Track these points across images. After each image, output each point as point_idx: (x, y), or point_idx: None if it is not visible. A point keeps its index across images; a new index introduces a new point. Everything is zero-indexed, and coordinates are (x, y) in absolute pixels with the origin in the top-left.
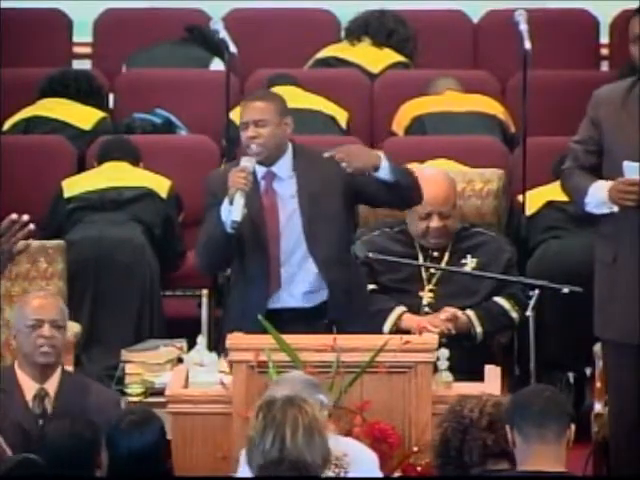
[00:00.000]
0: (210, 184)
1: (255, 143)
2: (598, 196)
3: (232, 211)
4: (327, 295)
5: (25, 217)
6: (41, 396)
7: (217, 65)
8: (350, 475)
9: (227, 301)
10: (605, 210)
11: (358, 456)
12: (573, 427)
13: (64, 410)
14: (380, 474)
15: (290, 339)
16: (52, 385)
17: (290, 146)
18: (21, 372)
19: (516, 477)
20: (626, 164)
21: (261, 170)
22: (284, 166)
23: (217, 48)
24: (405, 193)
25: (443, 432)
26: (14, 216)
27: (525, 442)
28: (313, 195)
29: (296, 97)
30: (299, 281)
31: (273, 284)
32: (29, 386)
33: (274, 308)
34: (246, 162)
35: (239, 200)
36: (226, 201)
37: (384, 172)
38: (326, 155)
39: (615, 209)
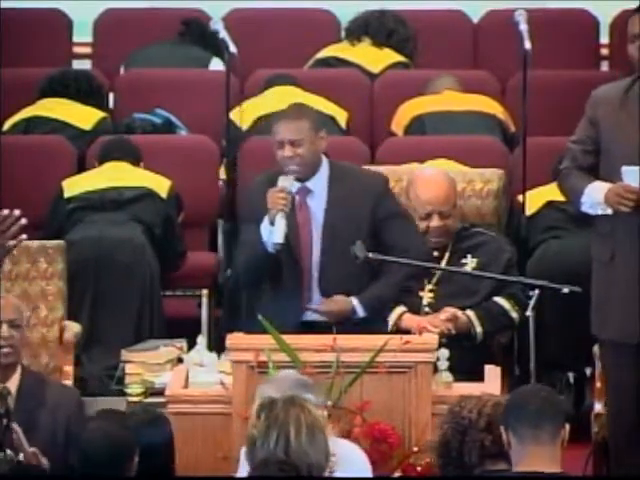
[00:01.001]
0: (249, 197)
1: (292, 163)
2: (594, 197)
3: (274, 233)
4: None
5: (16, 212)
6: (3, 395)
7: (216, 65)
8: (336, 475)
9: (255, 308)
10: (599, 211)
11: (347, 456)
12: (568, 427)
13: (26, 407)
14: (370, 474)
15: (290, 339)
16: (13, 383)
17: (325, 161)
18: None
19: (513, 477)
20: (625, 169)
21: (295, 185)
22: (319, 182)
23: (215, 45)
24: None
25: (443, 433)
26: (5, 212)
27: (520, 443)
28: (336, 222)
29: (295, 97)
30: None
31: (306, 297)
32: None
33: (307, 320)
34: (284, 182)
35: (280, 222)
36: (266, 221)
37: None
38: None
39: (609, 211)
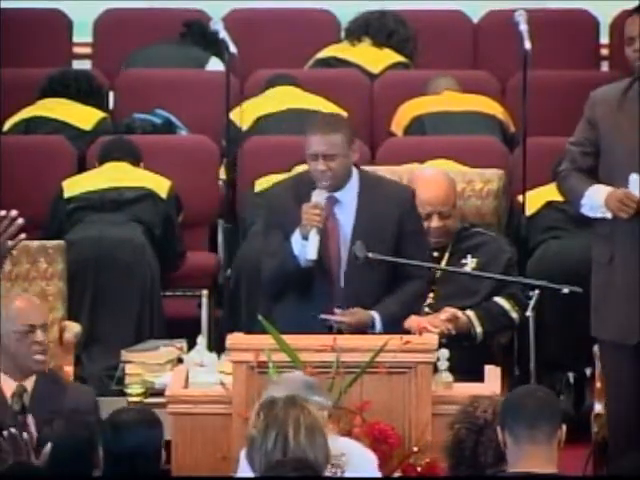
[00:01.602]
0: (273, 204)
1: (325, 177)
2: (595, 200)
3: (308, 248)
4: None
5: (13, 212)
6: (20, 393)
7: (214, 64)
8: (347, 475)
9: (276, 313)
10: (598, 214)
11: (356, 456)
12: (564, 428)
13: (42, 406)
14: (379, 474)
15: (290, 339)
16: (30, 382)
17: (355, 172)
18: (1, 372)
19: (509, 478)
20: (633, 177)
21: (324, 195)
22: (349, 193)
23: (215, 45)
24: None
25: (456, 433)
26: (2, 212)
27: (516, 443)
28: (364, 234)
29: (295, 97)
30: None
31: (333, 308)
32: (8, 384)
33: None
34: (318, 197)
35: (314, 238)
36: (298, 234)
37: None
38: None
39: (608, 215)
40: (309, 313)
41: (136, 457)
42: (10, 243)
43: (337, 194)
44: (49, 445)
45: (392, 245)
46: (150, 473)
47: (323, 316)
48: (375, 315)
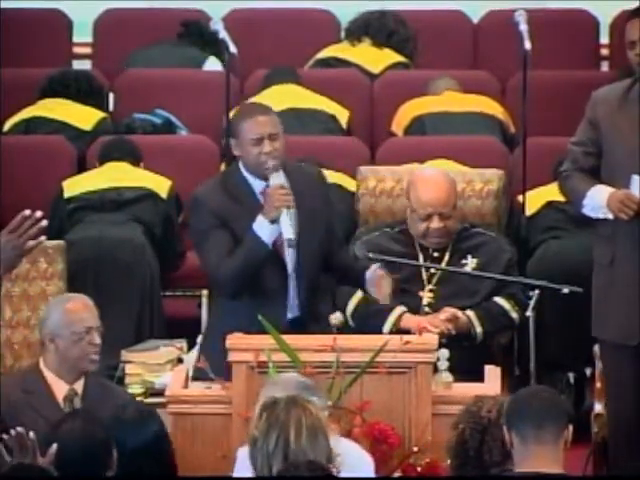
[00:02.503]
0: (207, 206)
1: (272, 158)
2: (597, 199)
3: (284, 229)
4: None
5: (38, 213)
6: (71, 397)
7: (212, 64)
8: (342, 475)
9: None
10: (600, 215)
11: (352, 457)
12: (571, 428)
13: (92, 408)
14: (374, 475)
15: (290, 339)
16: (79, 385)
17: None
18: (50, 373)
19: (514, 478)
20: (634, 178)
21: (260, 185)
22: (282, 176)
23: (213, 45)
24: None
25: (460, 433)
26: (27, 212)
27: (523, 443)
28: (303, 219)
29: (296, 96)
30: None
31: (286, 293)
32: (59, 387)
33: (292, 318)
34: (277, 179)
35: (287, 218)
36: (262, 220)
37: None
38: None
39: (610, 216)
40: (265, 305)
41: (136, 454)
42: (31, 243)
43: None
44: (55, 445)
45: (325, 225)
46: (154, 468)
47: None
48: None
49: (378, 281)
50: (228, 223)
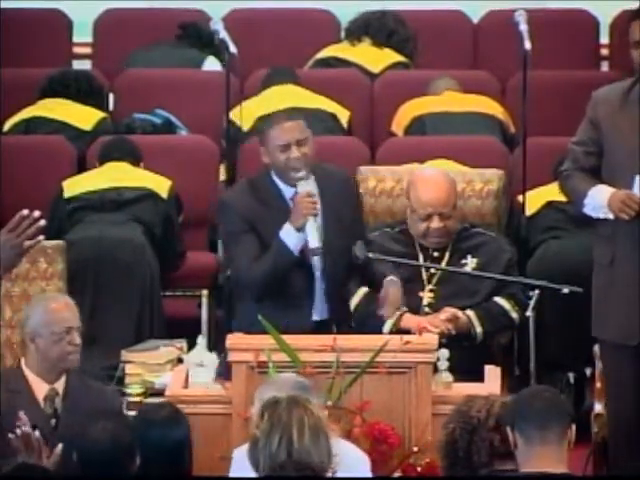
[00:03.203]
0: (234, 211)
1: (300, 164)
2: (598, 199)
3: (310, 238)
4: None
5: (36, 213)
6: (52, 397)
7: (211, 64)
8: (338, 475)
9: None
10: (601, 215)
11: (349, 457)
12: (574, 427)
13: (74, 408)
14: (370, 474)
15: (290, 339)
16: (60, 385)
17: None
18: (31, 373)
19: (518, 478)
20: (637, 179)
21: (290, 191)
22: (310, 182)
23: (212, 46)
24: None
25: (450, 433)
26: (25, 212)
27: (527, 443)
28: (331, 223)
29: (296, 96)
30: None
31: (313, 297)
32: (40, 387)
33: (317, 320)
34: (306, 186)
35: (314, 226)
36: (289, 227)
37: None
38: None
39: (610, 216)
40: (288, 309)
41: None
42: (29, 243)
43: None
44: (60, 446)
45: (351, 228)
46: (180, 469)
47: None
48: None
49: (387, 298)
50: (256, 226)
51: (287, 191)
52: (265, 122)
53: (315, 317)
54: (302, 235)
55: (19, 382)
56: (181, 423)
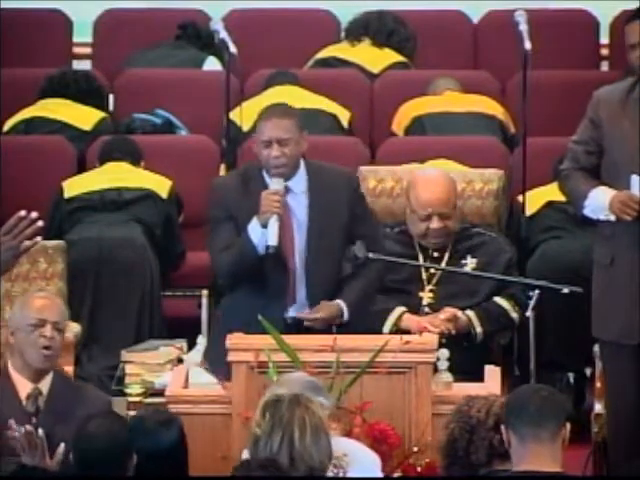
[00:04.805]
0: (220, 196)
1: (279, 163)
2: (598, 201)
3: (269, 236)
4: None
5: (33, 214)
6: (35, 395)
7: (211, 64)
8: (349, 475)
9: (227, 308)
10: (602, 216)
11: (358, 456)
12: (568, 426)
13: (57, 409)
14: (381, 474)
15: (290, 339)
16: (45, 384)
17: (302, 161)
18: (15, 371)
19: (513, 477)
20: (634, 179)
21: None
22: (299, 181)
23: (212, 47)
24: None
25: (450, 432)
26: (22, 213)
27: (521, 442)
28: (319, 220)
29: (296, 97)
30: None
31: (291, 295)
32: (23, 385)
33: (290, 317)
34: (277, 185)
35: (274, 224)
36: (255, 223)
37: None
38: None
39: (612, 218)
40: (264, 304)
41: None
42: (27, 243)
43: (289, 183)
44: (62, 445)
45: (346, 229)
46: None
47: (297, 315)
48: (342, 304)
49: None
50: (236, 216)
51: (272, 185)
52: (260, 113)
53: (292, 314)
54: (264, 230)
55: (3, 381)
56: (173, 428)
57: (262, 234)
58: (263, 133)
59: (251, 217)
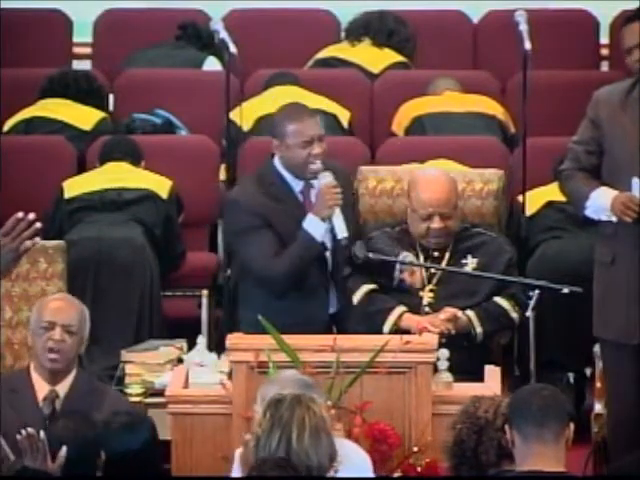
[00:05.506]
0: (250, 205)
1: (320, 158)
2: (600, 201)
3: (337, 229)
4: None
5: (31, 216)
6: (51, 397)
7: (211, 63)
8: (340, 475)
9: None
10: (603, 217)
11: (350, 456)
12: (572, 426)
13: (71, 411)
14: (372, 474)
15: (290, 339)
16: (63, 387)
17: None
18: (35, 373)
19: (517, 477)
20: (635, 181)
21: (298, 184)
22: (330, 175)
23: (212, 47)
24: None
25: (457, 433)
26: (20, 214)
27: (524, 442)
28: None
29: (296, 97)
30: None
31: (328, 291)
32: (41, 387)
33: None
34: (328, 177)
35: (340, 216)
36: (313, 219)
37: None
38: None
39: (613, 219)
40: (309, 303)
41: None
42: (26, 244)
43: (315, 181)
44: (64, 448)
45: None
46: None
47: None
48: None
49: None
50: (270, 223)
51: (296, 185)
52: (284, 116)
53: (331, 309)
54: (327, 225)
55: (22, 382)
56: (143, 428)
57: (323, 228)
58: (302, 133)
59: (286, 220)
